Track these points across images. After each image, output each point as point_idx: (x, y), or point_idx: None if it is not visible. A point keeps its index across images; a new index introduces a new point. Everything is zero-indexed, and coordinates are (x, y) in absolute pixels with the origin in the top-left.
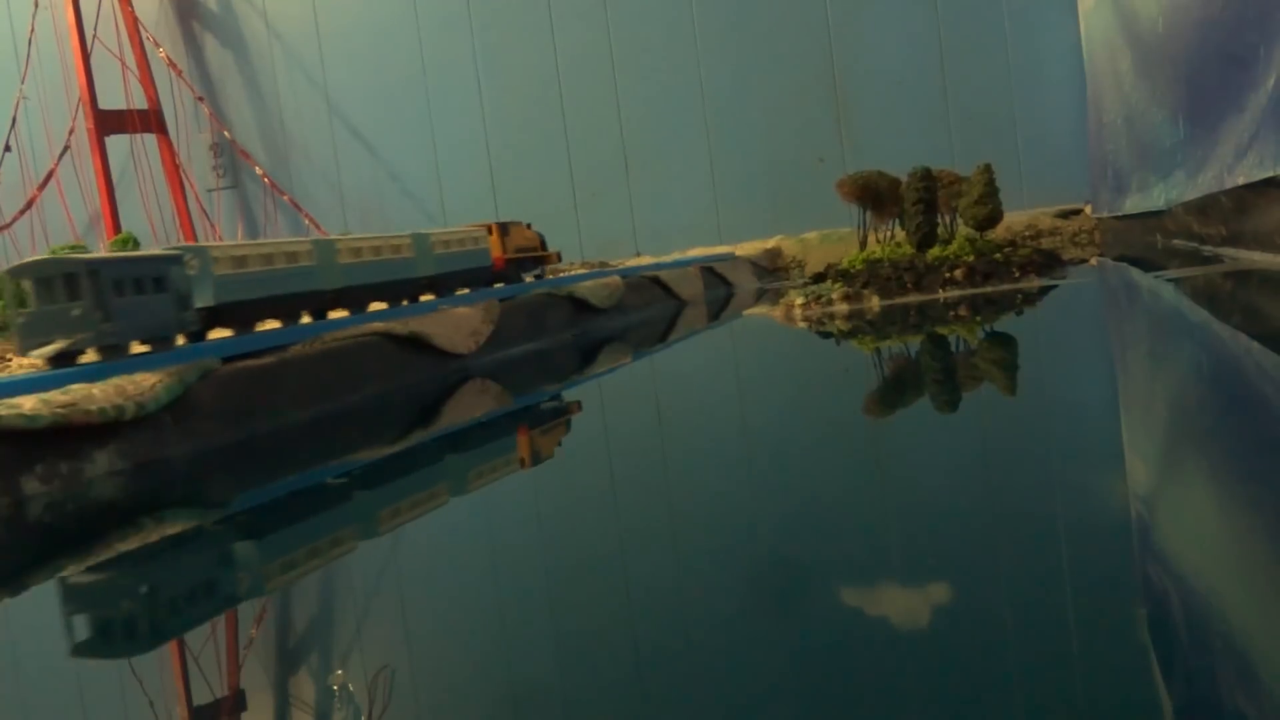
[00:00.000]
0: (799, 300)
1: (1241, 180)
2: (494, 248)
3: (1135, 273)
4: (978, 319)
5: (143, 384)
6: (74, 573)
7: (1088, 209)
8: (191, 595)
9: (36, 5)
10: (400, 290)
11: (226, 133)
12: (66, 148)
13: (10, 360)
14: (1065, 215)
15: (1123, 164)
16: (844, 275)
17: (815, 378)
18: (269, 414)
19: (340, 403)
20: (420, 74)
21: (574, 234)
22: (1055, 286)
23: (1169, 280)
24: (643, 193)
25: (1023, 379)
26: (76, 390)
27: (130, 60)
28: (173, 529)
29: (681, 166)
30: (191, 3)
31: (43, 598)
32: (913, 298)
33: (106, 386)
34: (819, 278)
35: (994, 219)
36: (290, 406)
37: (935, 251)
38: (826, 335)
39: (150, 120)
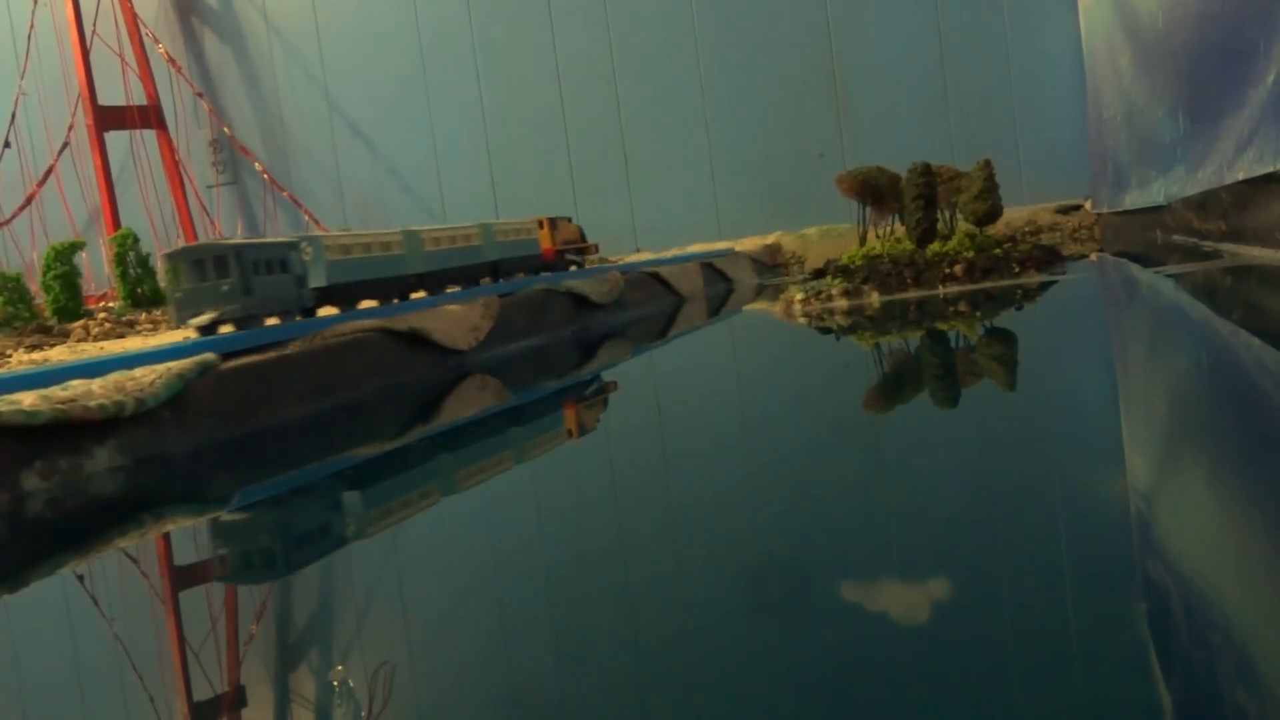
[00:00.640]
0: (799, 296)
1: (1241, 176)
2: (544, 239)
3: (1135, 268)
4: (977, 315)
5: (142, 380)
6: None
7: (1087, 204)
8: (326, 529)
9: (36, 1)
10: (469, 274)
11: (226, 129)
12: (66, 144)
13: (10, 356)
14: (1065, 211)
15: (1122, 159)
16: (844, 271)
17: (815, 373)
18: (269, 410)
19: (339, 399)
20: (420, 70)
21: None
22: (1055, 282)
23: (1169, 276)
24: (642, 188)
25: (1022, 374)
26: (76, 386)
27: (130, 56)
28: (181, 523)
29: (681, 162)
30: None
31: (44, 594)
32: (912, 293)
33: (106, 383)
34: (819, 273)
35: (994, 215)
36: (290, 402)
37: (935, 247)
38: (826, 331)
39: (150, 116)
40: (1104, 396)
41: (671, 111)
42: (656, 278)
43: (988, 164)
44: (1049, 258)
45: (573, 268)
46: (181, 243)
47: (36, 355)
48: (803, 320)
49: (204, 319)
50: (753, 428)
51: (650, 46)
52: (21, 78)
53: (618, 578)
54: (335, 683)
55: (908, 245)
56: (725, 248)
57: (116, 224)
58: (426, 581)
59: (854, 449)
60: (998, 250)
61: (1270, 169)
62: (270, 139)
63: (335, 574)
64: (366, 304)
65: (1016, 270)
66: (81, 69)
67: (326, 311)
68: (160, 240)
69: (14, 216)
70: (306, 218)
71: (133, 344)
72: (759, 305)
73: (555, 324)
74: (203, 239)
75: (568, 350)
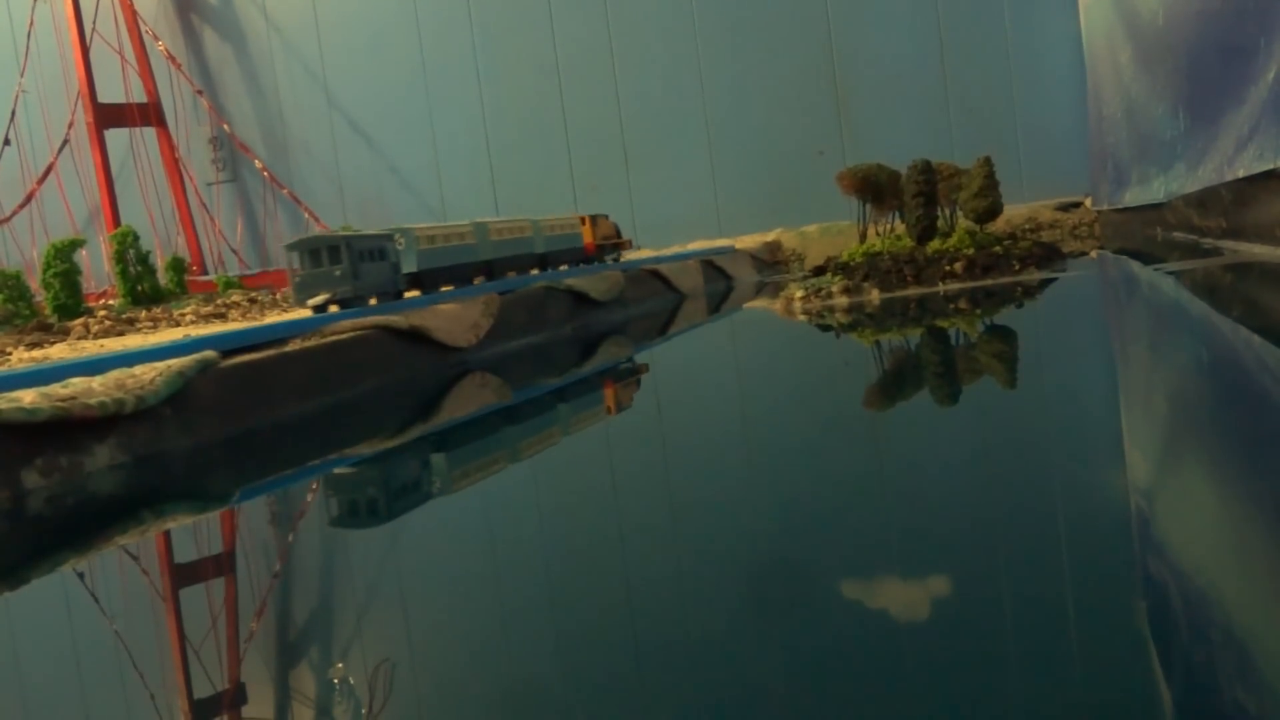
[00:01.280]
0: (799, 293)
1: (1241, 173)
2: (585, 234)
3: (1135, 265)
4: (978, 312)
5: (143, 377)
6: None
7: (1088, 202)
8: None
9: None
10: (523, 263)
11: (226, 126)
12: (66, 141)
13: (10, 354)
14: (1065, 208)
15: (1123, 156)
16: (844, 268)
17: (815, 371)
18: (269, 408)
19: (339, 396)
20: (420, 67)
21: None
22: (1055, 279)
23: (1169, 273)
24: (642, 186)
25: (1022, 372)
26: (77, 384)
27: (129, 54)
28: (186, 519)
29: (681, 160)
30: None
31: (44, 591)
32: (913, 291)
33: (106, 380)
34: (819, 271)
35: (994, 212)
36: (289, 400)
37: (935, 244)
38: (826, 328)
39: (149, 114)
40: (1104, 394)
41: (671, 109)
42: (657, 275)
43: (988, 161)
44: (1049, 255)
45: (610, 260)
46: (181, 240)
47: (37, 353)
48: (803, 318)
49: (319, 299)
50: (753, 425)
51: (650, 44)
52: (21, 75)
53: (617, 576)
54: (336, 680)
55: (908, 242)
56: (725, 245)
57: (116, 221)
58: (427, 578)
59: (854, 446)
60: (998, 247)
61: (1270, 166)
62: (270, 136)
63: (336, 571)
64: (445, 288)
65: (1016, 267)
66: (81, 66)
67: (413, 294)
68: (160, 238)
69: (14, 214)
70: (306, 215)
71: (133, 341)
72: (759, 303)
73: (555, 321)
74: (202, 237)
75: (567, 348)
